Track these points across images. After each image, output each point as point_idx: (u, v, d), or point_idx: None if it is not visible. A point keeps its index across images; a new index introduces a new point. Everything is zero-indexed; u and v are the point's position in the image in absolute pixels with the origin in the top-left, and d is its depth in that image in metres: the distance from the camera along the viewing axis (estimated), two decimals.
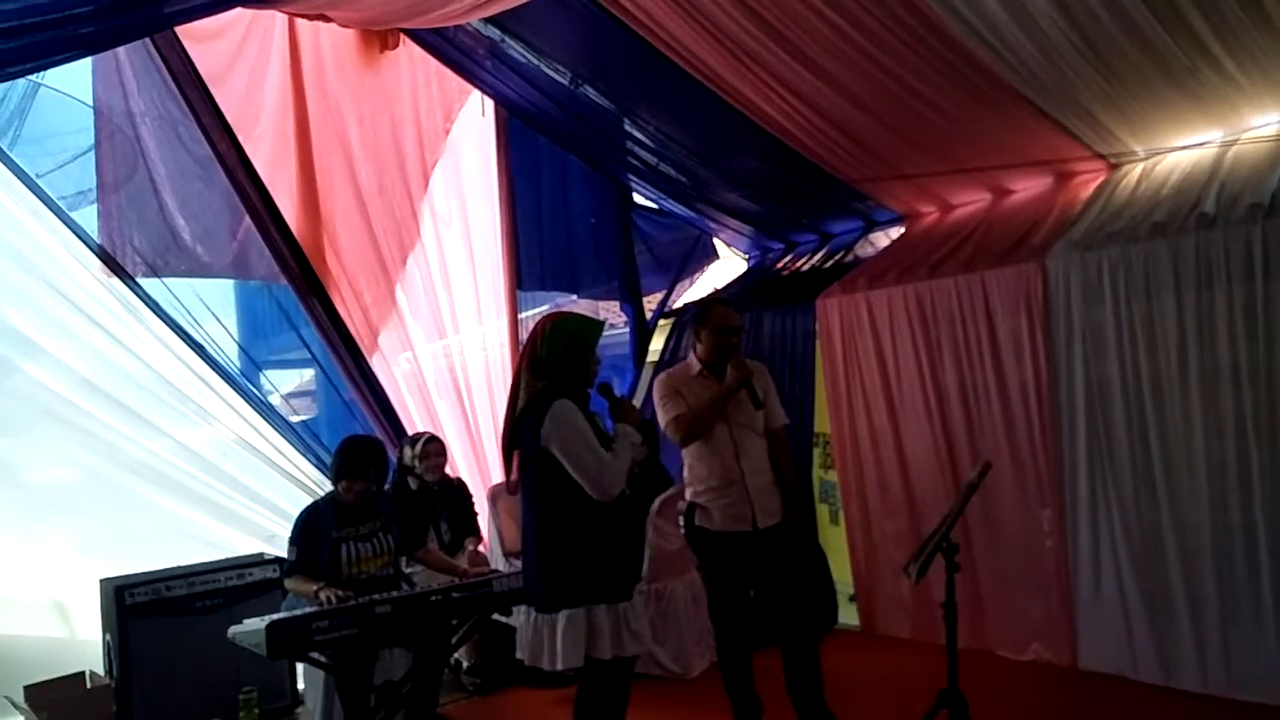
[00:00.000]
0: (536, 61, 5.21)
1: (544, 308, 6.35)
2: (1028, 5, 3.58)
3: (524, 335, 5.83)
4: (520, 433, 2.87)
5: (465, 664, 4.68)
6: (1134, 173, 4.52)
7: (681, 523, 3.77)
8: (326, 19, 4.89)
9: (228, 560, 4.33)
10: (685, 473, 3.79)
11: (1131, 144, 4.47)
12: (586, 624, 2.76)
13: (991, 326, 4.54)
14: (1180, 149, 4.38)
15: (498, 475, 5.60)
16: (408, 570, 4.06)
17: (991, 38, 3.82)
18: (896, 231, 5.66)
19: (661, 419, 3.73)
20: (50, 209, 4.43)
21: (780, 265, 6.27)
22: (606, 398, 3.06)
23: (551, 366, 2.87)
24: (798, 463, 5.50)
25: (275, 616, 3.23)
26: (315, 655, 3.33)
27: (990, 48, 3.88)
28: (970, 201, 5.28)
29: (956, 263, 4.76)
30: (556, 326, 2.93)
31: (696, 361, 3.77)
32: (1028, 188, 5.01)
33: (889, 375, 5.00)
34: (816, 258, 6.03)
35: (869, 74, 4.28)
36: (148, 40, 4.47)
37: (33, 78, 4.36)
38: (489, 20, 4.87)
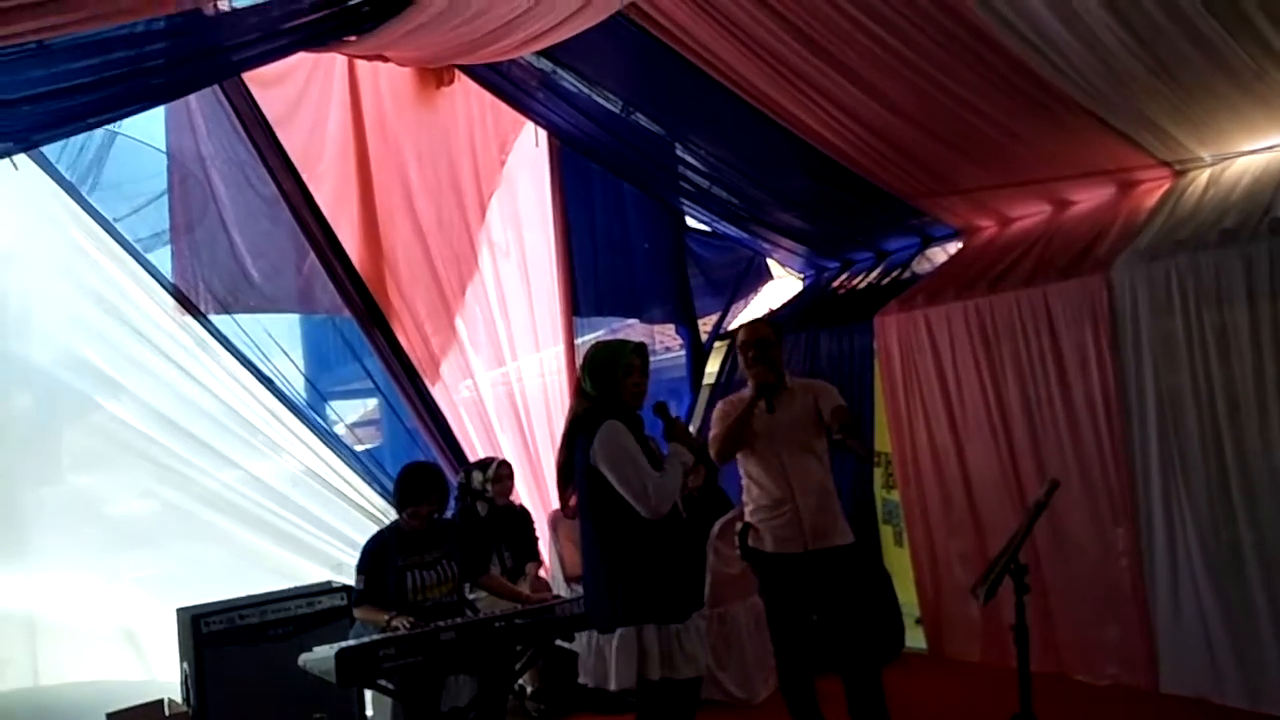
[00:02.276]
0: (588, 91, 5.31)
1: (600, 333, 6.41)
2: (1081, 12, 3.51)
3: (580, 360, 5.93)
4: (573, 454, 2.97)
5: (529, 690, 4.71)
6: (1201, 179, 4.39)
7: (737, 543, 3.77)
8: (384, 59, 5.05)
9: (297, 589, 4.43)
10: (743, 494, 3.80)
11: (1197, 150, 4.35)
12: (637, 644, 2.80)
13: (1055, 341, 4.44)
14: (1249, 153, 4.25)
15: (557, 500, 5.63)
16: (471, 596, 4.10)
17: (1044, 46, 3.76)
18: (954, 247, 5.58)
19: None
20: (127, 251, 4.63)
21: (836, 284, 6.23)
22: (662, 417, 3.11)
23: (588, 388, 3.01)
24: (860, 483, 5.48)
25: (344, 644, 3.30)
26: (383, 682, 3.38)
27: (1044, 56, 3.82)
28: (1029, 214, 5.18)
29: (1017, 277, 4.67)
30: (590, 352, 3.10)
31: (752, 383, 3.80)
32: (1089, 198, 4.90)
33: (950, 393, 4.91)
34: (873, 275, 5.98)
35: (918, 87, 4.25)
36: (217, 87, 4.67)
37: (110, 127, 4.57)
38: (541, 53, 4.98)
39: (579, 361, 3.16)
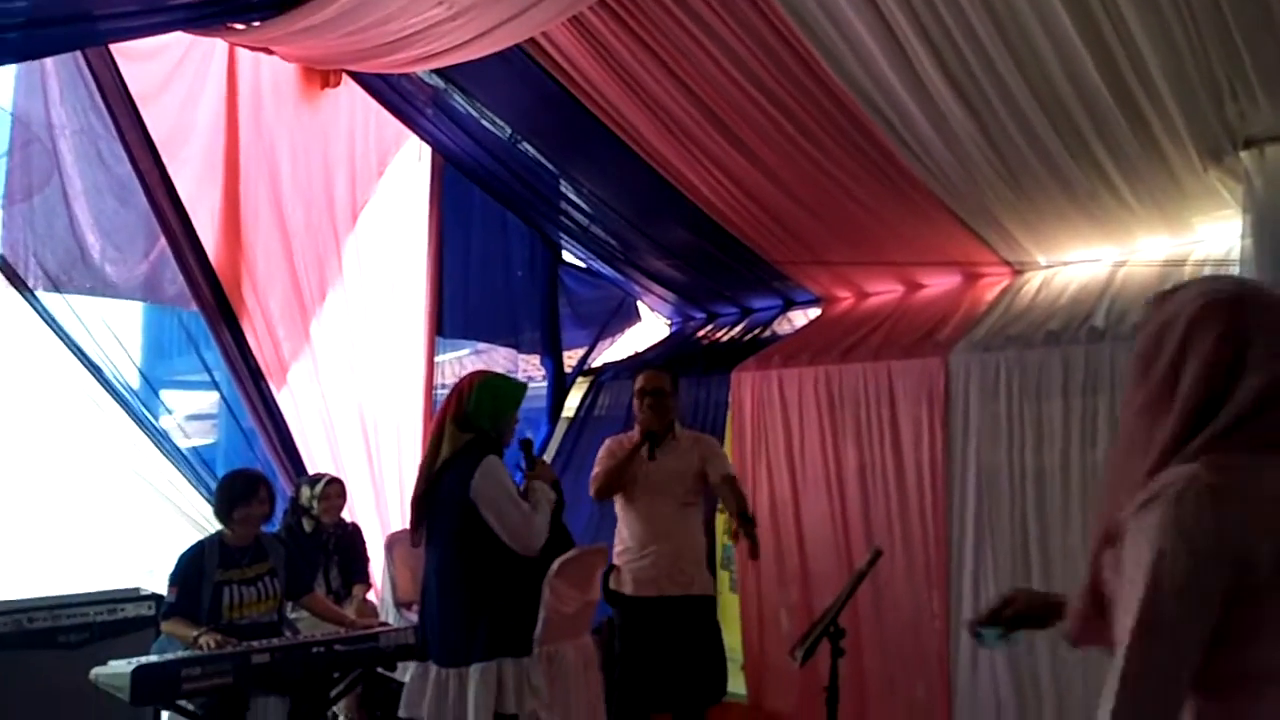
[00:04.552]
0: (477, 115, 5.28)
1: (462, 352, 6.33)
2: (952, 123, 3.84)
3: (439, 379, 5.84)
4: (441, 484, 2.92)
5: (344, 718, 4.53)
6: (1035, 280, 4.78)
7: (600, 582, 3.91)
8: (270, 52, 4.88)
9: (100, 593, 4.09)
10: (615, 535, 3.96)
11: (1034, 253, 4.74)
12: (497, 678, 2.82)
13: (894, 414, 4.70)
14: (1077, 263, 4.67)
15: (397, 521, 5.50)
16: (292, 616, 3.94)
17: (917, 147, 4.08)
18: (813, 313, 5.83)
19: None
20: None
21: (700, 334, 6.40)
22: (525, 454, 3.16)
23: (477, 422, 2.96)
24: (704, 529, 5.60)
25: (143, 660, 3.10)
26: (183, 704, 3.19)
27: (915, 155, 4.14)
28: (884, 291, 5.50)
29: (866, 350, 4.93)
30: (484, 384, 3.06)
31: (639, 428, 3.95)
32: (937, 284, 5.24)
33: (794, 451, 5.11)
34: (735, 330, 6.17)
35: (799, 165, 4.49)
36: (78, 54, 4.37)
37: None
38: (434, 70, 4.93)
39: (461, 387, 3.06)
